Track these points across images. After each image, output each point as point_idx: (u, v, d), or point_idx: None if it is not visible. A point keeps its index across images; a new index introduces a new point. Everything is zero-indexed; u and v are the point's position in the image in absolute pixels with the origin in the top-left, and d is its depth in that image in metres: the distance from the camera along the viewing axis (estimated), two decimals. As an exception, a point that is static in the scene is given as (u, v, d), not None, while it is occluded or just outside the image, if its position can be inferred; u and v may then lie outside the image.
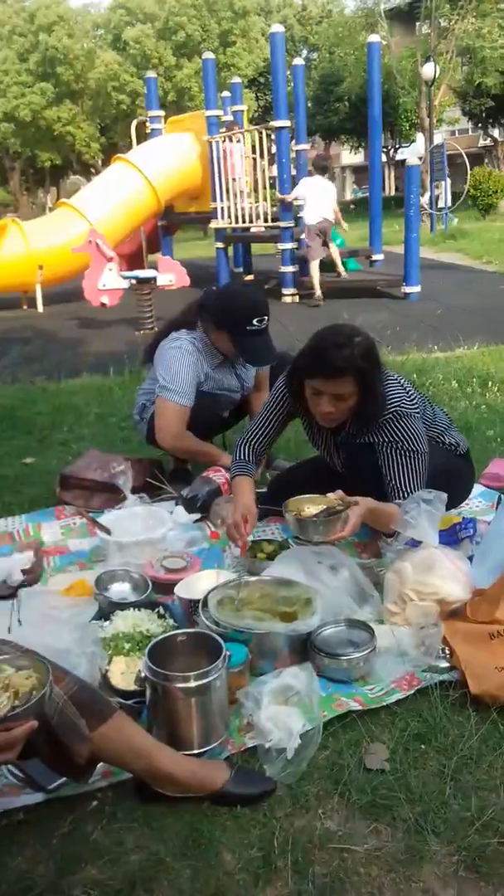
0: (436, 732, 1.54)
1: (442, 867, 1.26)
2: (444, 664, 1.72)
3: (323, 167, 8.34)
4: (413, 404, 2.13)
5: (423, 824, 1.33)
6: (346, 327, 2.10)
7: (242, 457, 2.37)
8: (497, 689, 1.60)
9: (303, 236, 8.71)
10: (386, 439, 2.10)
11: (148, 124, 10.20)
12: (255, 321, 2.57)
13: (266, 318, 2.61)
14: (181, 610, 1.98)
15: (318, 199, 7.94)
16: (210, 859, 1.29)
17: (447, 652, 1.74)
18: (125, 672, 1.67)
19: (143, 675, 1.51)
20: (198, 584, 2.01)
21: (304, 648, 1.77)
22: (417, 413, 2.14)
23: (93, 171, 29.29)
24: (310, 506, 2.09)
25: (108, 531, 2.34)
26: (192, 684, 1.46)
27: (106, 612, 1.93)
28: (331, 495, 2.01)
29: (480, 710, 1.59)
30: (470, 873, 1.25)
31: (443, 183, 15.08)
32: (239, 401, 2.93)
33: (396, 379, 2.16)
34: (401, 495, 2.05)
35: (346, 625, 1.83)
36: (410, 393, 2.16)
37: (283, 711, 1.57)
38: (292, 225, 8.09)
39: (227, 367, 2.79)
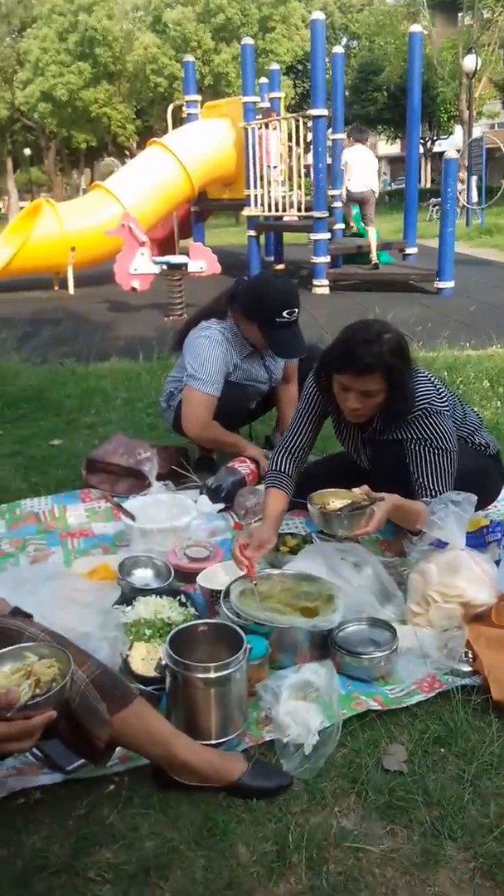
0: (456, 737, 1.53)
1: (458, 872, 1.25)
2: (467, 668, 1.70)
3: (363, 137, 8.24)
4: (443, 402, 2.10)
5: (439, 828, 1.33)
6: (376, 323, 2.07)
7: (277, 467, 2.27)
8: (519, 695, 1.58)
9: (337, 225, 8.63)
10: (414, 436, 2.07)
11: (184, 108, 10.15)
12: (285, 313, 2.56)
13: (296, 310, 2.59)
14: (203, 599, 1.98)
15: (362, 166, 7.81)
16: (224, 850, 1.29)
17: (470, 656, 1.72)
18: (145, 658, 1.68)
19: (163, 662, 1.52)
20: (220, 574, 2.02)
21: (325, 644, 1.76)
22: (447, 411, 2.11)
23: (127, 153, 29.30)
24: (335, 500, 2.07)
25: (132, 517, 2.35)
26: (213, 675, 1.47)
27: (128, 597, 1.94)
28: (357, 490, 1.98)
29: (502, 717, 1.58)
30: (486, 880, 1.24)
31: (472, 178, 14.78)
32: (267, 392, 2.92)
33: (426, 376, 2.13)
34: (428, 493, 2.02)
35: (368, 623, 1.82)
36: (441, 390, 2.13)
37: (301, 707, 1.57)
38: (326, 215, 8.01)
39: (256, 358, 2.78)
